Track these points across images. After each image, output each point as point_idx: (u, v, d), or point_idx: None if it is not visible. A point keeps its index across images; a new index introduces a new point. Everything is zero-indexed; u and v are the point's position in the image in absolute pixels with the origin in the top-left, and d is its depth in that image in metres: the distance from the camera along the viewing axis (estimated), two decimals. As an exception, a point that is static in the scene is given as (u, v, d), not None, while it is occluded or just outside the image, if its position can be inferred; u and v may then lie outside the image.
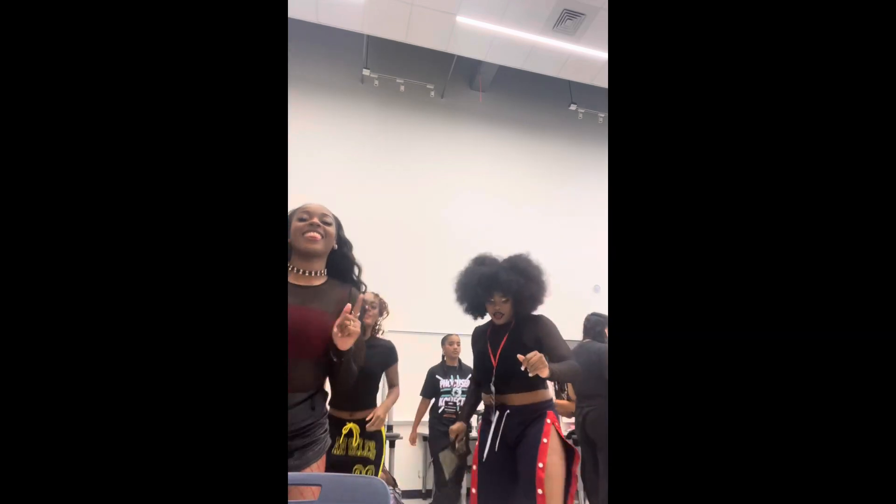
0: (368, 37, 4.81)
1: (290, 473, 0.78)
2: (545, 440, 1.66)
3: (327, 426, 1.30)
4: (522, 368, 1.55)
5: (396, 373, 2.35)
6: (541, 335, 1.79)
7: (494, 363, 1.81)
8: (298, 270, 1.28)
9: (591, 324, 3.12)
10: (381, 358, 2.26)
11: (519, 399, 1.76)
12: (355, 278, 1.37)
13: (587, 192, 5.61)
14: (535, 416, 1.73)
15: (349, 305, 1.19)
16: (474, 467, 1.77)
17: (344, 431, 2.11)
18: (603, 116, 5.73)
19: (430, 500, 4.37)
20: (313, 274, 1.29)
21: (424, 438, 4.56)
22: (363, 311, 1.28)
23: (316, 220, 1.28)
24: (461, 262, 1.98)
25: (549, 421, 1.72)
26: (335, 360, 1.22)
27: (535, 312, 1.88)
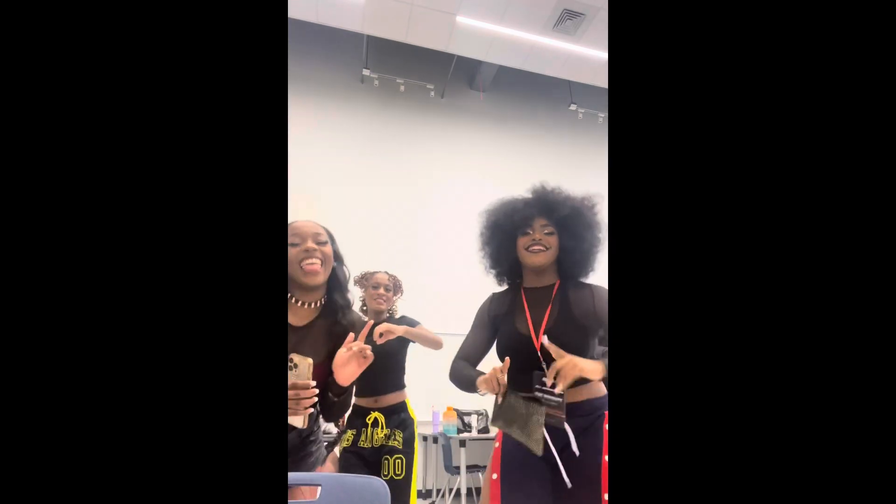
0: (368, 37, 4.81)
1: (290, 473, 0.78)
2: (606, 458, 1.14)
3: (320, 437, 1.24)
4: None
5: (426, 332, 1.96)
6: (599, 313, 1.23)
7: (537, 343, 1.21)
8: (298, 301, 1.14)
9: None
10: (399, 338, 1.93)
11: (573, 394, 1.18)
12: (348, 296, 1.22)
13: (587, 191, 5.60)
14: (593, 418, 1.19)
15: (351, 335, 1.06)
16: (494, 476, 1.24)
17: (369, 421, 1.91)
18: (603, 116, 5.73)
19: (430, 501, 4.38)
20: (311, 305, 1.16)
21: (424, 439, 4.57)
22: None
23: (310, 243, 1.11)
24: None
25: (607, 427, 1.17)
26: (334, 399, 1.10)
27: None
